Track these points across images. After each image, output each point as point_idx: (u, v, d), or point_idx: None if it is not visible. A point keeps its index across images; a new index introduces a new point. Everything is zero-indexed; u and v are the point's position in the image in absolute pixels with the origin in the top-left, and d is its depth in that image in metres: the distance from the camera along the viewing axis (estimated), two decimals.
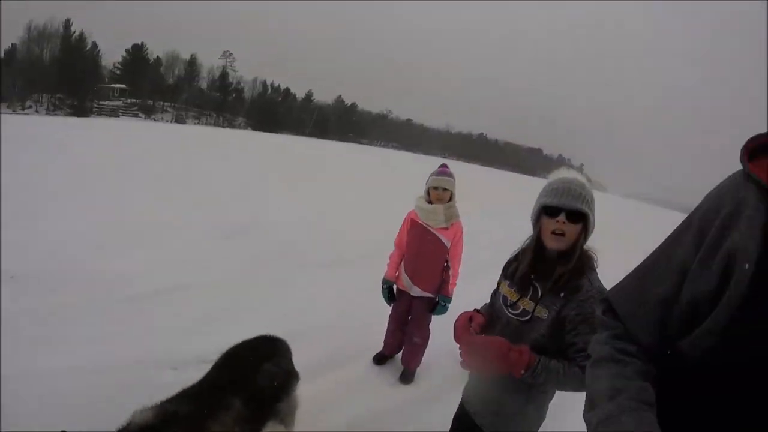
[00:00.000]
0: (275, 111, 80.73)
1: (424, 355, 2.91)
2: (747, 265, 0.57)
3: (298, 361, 2.12)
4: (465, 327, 1.40)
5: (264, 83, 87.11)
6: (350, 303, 3.80)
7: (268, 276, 4.23)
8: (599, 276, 1.30)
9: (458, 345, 1.35)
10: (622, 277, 0.82)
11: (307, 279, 4.30)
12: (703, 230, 0.66)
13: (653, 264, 0.76)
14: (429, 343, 2.87)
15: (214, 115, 71.78)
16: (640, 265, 0.79)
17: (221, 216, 6.01)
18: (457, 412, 1.60)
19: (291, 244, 5.28)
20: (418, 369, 2.95)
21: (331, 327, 3.35)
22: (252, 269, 4.32)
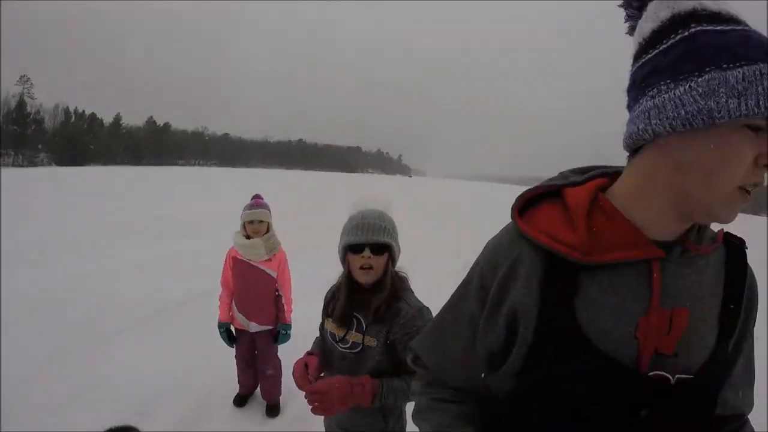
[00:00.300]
0: (80, 141, 69.19)
1: (283, 383, 2.88)
2: (529, 319, 0.63)
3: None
4: (303, 375, 1.41)
5: (66, 110, 74.65)
6: (190, 355, 3.46)
7: (89, 346, 3.56)
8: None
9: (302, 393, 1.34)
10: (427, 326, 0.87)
11: (132, 339, 3.74)
12: (485, 287, 0.69)
13: (447, 318, 0.79)
14: (284, 370, 2.84)
15: (12, 153, 58.90)
16: (437, 316, 0.82)
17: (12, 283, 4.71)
18: None
19: (103, 305, 4.45)
20: (281, 399, 2.91)
21: (180, 384, 3.05)
22: (67, 343, 3.58)
